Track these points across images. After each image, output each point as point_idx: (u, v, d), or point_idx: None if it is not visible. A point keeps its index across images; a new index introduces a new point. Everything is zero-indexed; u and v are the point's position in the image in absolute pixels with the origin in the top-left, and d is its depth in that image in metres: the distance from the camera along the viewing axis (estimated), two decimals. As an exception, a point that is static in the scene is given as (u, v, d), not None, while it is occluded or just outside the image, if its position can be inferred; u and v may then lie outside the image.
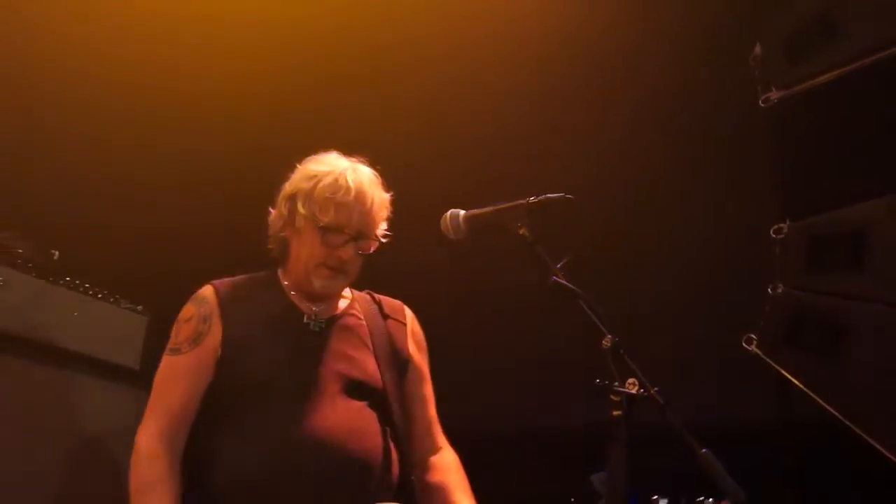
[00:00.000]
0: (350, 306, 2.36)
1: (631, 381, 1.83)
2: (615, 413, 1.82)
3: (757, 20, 3.01)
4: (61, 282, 3.34)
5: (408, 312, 2.45)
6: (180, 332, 2.22)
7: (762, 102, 3.02)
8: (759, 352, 2.93)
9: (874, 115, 2.88)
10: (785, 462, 2.89)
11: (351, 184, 2.19)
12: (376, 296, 2.45)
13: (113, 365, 3.42)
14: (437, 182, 3.52)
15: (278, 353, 2.17)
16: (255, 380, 2.15)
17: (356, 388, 2.20)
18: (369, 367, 2.26)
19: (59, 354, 3.30)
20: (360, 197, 2.19)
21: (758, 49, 3.07)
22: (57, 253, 3.34)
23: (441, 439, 2.40)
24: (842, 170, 2.88)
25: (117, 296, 3.49)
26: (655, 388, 1.82)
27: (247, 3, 3.67)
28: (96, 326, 3.38)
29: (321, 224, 2.18)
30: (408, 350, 2.37)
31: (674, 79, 3.49)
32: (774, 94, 3.01)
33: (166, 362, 2.21)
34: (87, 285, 3.41)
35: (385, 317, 2.40)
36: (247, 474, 2.08)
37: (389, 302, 2.44)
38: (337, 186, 2.18)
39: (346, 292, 2.37)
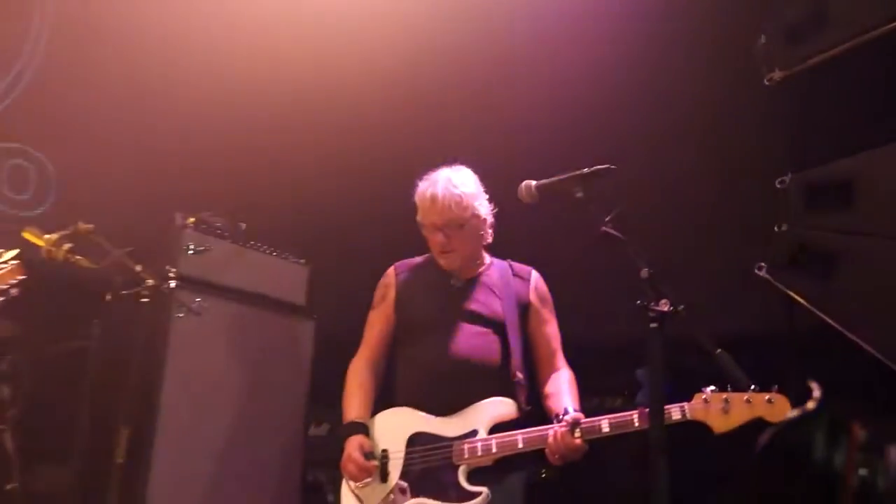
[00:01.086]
0: (486, 269, 2.56)
1: (664, 301, 1.91)
2: (652, 325, 1.91)
3: (758, 16, 2.99)
4: (248, 245, 3.46)
5: (533, 274, 2.57)
6: (374, 296, 2.61)
7: (767, 81, 3.00)
8: (768, 276, 2.95)
9: (859, 88, 2.85)
10: (789, 364, 2.92)
11: (427, 192, 2.44)
12: (513, 263, 2.61)
13: (286, 303, 3.53)
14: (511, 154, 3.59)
15: (431, 304, 2.49)
16: (415, 322, 2.50)
17: (483, 321, 2.44)
18: (495, 307, 2.47)
19: (246, 296, 3.38)
20: (432, 199, 2.42)
21: (762, 38, 3.05)
22: (244, 224, 3.46)
23: (560, 363, 2.51)
24: (831, 132, 2.86)
25: (287, 253, 3.59)
26: (682, 306, 1.91)
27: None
28: (273, 275, 3.49)
29: (419, 222, 2.48)
30: (528, 298, 2.52)
31: (694, 65, 3.46)
32: (777, 74, 2.99)
33: (369, 314, 2.60)
34: (265, 246, 3.52)
35: (514, 276, 2.55)
36: (411, 380, 2.45)
37: (519, 266, 2.60)
38: (422, 196, 2.46)
39: (487, 260, 2.57)
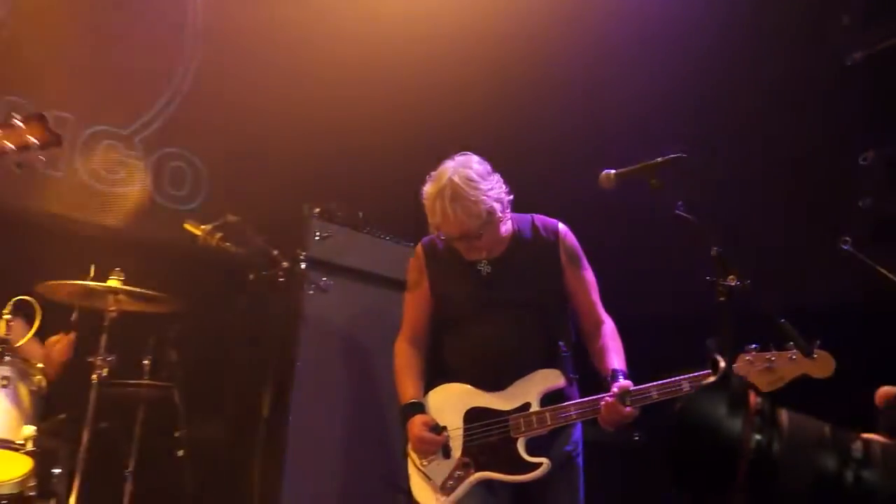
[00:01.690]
0: (510, 240, 2.36)
1: (731, 276, 1.93)
2: (721, 299, 1.93)
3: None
4: (365, 230, 3.60)
5: (560, 227, 2.38)
6: (408, 278, 2.51)
7: (848, 62, 2.90)
8: (853, 251, 2.87)
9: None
10: (867, 336, 2.83)
11: (437, 206, 2.23)
12: (537, 218, 2.41)
13: (399, 281, 3.46)
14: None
15: (463, 295, 2.35)
16: (450, 312, 2.40)
17: (516, 304, 2.30)
18: (525, 287, 2.31)
19: (364, 275, 3.52)
20: (443, 215, 2.22)
21: (845, 20, 2.95)
22: (362, 213, 3.63)
23: (601, 315, 2.36)
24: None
25: (399, 237, 3.71)
26: (748, 281, 1.93)
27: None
28: (387, 257, 3.60)
29: (432, 225, 2.31)
30: (559, 257, 2.34)
31: (774, 44, 3.37)
32: (858, 54, 2.89)
33: (406, 296, 2.52)
34: (380, 231, 3.67)
35: (540, 235, 2.37)
36: (459, 361, 2.36)
37: (544, 221, 2.40)
38: (431, 208, 2.27)
39: (509, 226, 2.35)
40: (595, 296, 2.38)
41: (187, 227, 3.11)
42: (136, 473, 3.08)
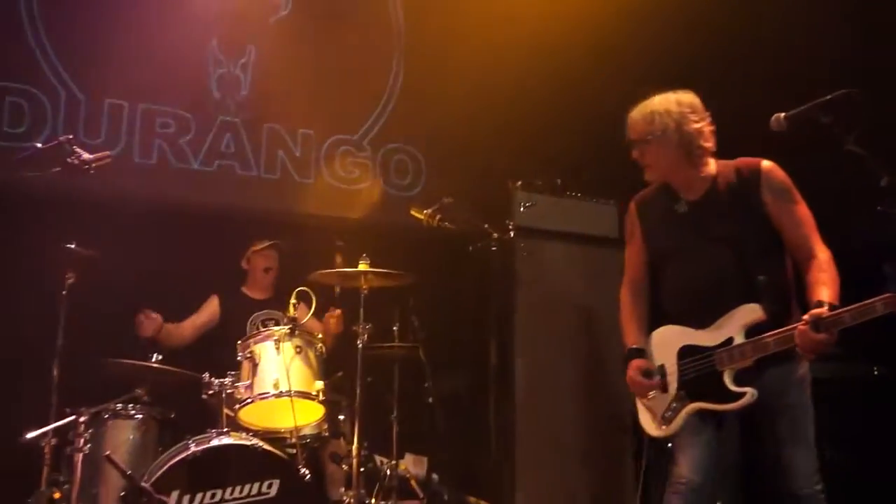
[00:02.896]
0: (710, 181, 2.45)
1: None
2: None
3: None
4: (564, 195, 4.01)
5: (763, 164, 2.41)
6: (626, 231, 2.71)
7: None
8: None
9: None
10: None
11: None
12: (740, 161, 2.46)
13: (600, 237, 4.00)
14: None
15: (665, 235, 2.53)
16: (658, 253, 2.57)
17: (713, 241, 2.42)
18: (723, 218, 2.41)
19: (568, 235, 3.92)
20: (628, 117, 2.48)
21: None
22: (560, 180, 4.01)
23: (815, 247, 2.34)
24: None
25: (596, 197, 4.08)
26: None
27: None
28: (587, 217, 4.00)
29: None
30: (760, 195, 2.38)
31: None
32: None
33: (626, 248, 2.69)
34: (578, 194, 4.06)
35: (741, 174, 2.42)
36: (669, 301, 2.54)
37: (746, 163, 2.45)
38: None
39: (711, 169, 2.45)
40: (806, 229, 2.37)
41: (413, 213, 3.72)
42: (398, 418, 3.81)
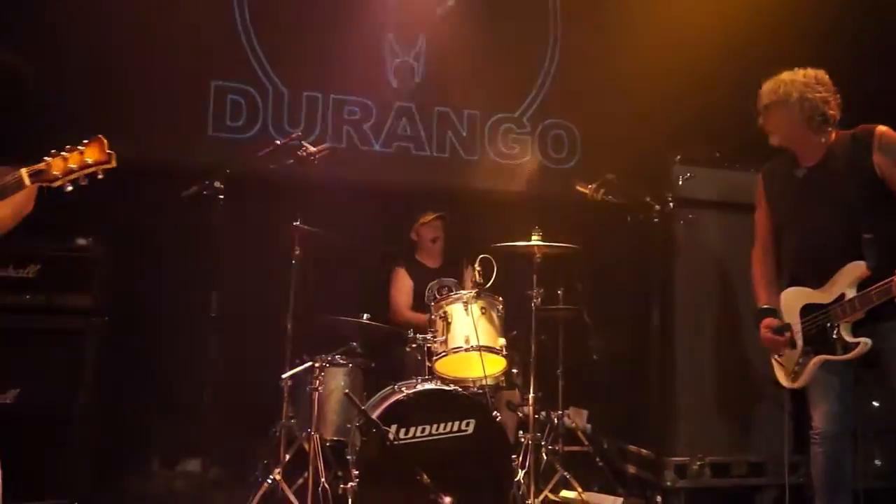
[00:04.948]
0: (828, 147, 2.71)
1: None
2: None
3: None
4: (723, 166, 4.20)
5: (875, 133, 2.62)
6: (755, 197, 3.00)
7: None
8: None
9: None
10: None
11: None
12: (858, 128, 2.69)
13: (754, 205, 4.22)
14: None
15: (784, 199, 2.85)
16: (779, 217, 2.88)
17: (827, 203, 2.68)
18: (834, 181, 2.66)
19: (727, 206, 4.07)
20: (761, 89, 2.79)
21: None
22: (718, 153, 4.24)
23: None
24: None
25: (752, 167, 3.93)
26: None
27: None
28: (742, 186, 3.98)
29: None
30: (874, 161, 2.59)
31: None
32: None
33: (755, 215, 2.99)
34: (737, 164, 4.20)
35: (856, 139, 2.65)
36: (789, 263, 2.85)
37: (862, 128, 2.67)
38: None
39: (832, 137, 2.71)
40: None
41: (578, 187, 4.11)
42: (564, 373, 4.30)
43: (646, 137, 4.78)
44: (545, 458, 4.01)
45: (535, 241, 3.84)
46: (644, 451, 4.21)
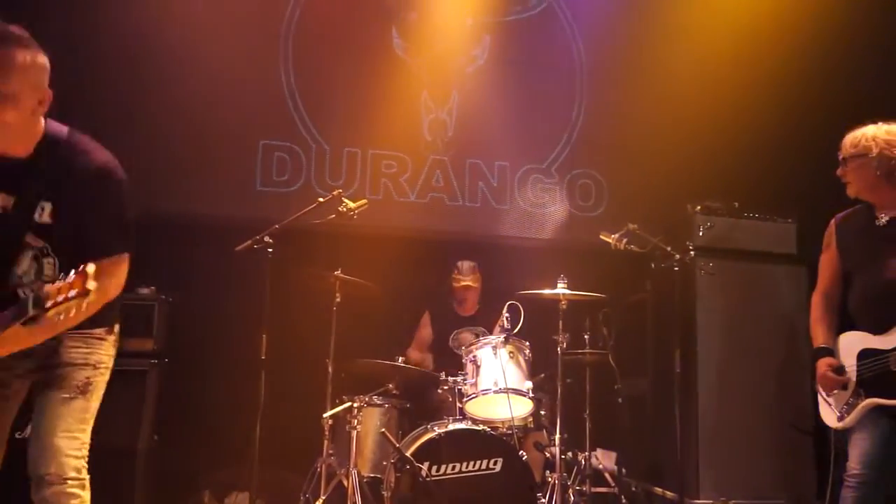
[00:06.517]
0: None
1: None
2: None
3: None
4: (742, 217, 4.47)
5: None
6: (823, 243, 3.00)
7: None
8: None
9: None
10: None
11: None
12: None
13: (780, 255, 4.52)
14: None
15: (860, 246, 2.88)
16: (850, 262, 2.91)
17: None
18: None
19: (747, 254, 4.40)
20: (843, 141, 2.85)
21: None
22: (737, 203, 4.56)
23: None
24: None
25: (776, 216, 4.54)
26: None
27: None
28: (766, 236, 4.42)
29: None
30: None
31: None
32: None
33: (821, 257, 3.01)
34: (756, 214, 4.51)
35: None
36: (854, 308, 2.88)
37: None
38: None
39: None
40: None
41: (602, 237, 4.37)
42: (591, 415, 4.51)
43: (668, 187, 5.05)
44: (572, 498, 4.21)
45: (561, 288, 4.11)
46: (669, 493, 4.39)
